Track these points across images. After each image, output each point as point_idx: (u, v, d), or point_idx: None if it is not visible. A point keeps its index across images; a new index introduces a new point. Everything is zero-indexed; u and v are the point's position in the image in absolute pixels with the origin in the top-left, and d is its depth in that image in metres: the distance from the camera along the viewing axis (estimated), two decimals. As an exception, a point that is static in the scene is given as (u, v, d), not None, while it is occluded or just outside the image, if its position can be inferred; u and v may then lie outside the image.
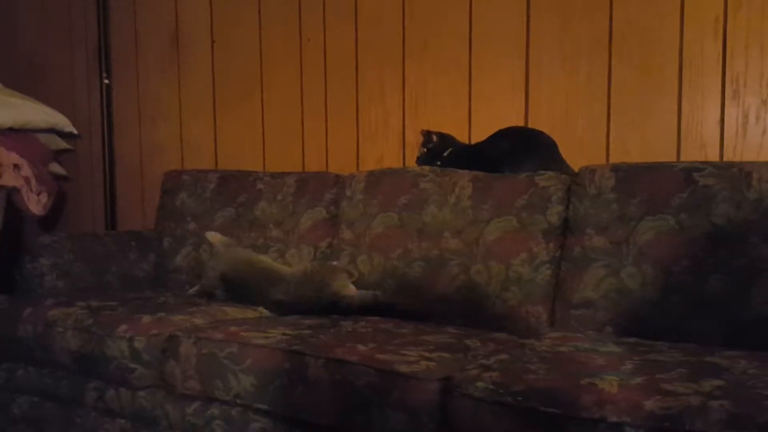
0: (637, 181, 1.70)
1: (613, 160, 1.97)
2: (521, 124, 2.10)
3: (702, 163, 1.66)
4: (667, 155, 1.91)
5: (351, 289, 1.87)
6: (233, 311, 1.87)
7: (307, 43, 2.48)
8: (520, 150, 1.95)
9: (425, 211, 1.95)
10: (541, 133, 1.97)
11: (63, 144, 2.97)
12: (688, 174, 1.64)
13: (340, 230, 2.11)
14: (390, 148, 2.36)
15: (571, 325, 1.67)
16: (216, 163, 2.71)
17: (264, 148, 2.61)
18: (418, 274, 1.90)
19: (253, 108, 2.62)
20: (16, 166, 2.66)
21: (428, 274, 1.89)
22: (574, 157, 1.95)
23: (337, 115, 2.45)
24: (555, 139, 1.97)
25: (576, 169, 1.86)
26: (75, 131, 2.98)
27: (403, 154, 2.33)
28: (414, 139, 2.28)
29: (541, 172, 1.85)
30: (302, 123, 2.52)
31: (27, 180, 2.67)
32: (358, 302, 1.84)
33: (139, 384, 1.66)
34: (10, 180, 2.63)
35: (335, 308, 1.83)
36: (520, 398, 1.16)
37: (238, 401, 1.50)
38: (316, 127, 2.49)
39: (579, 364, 1.29)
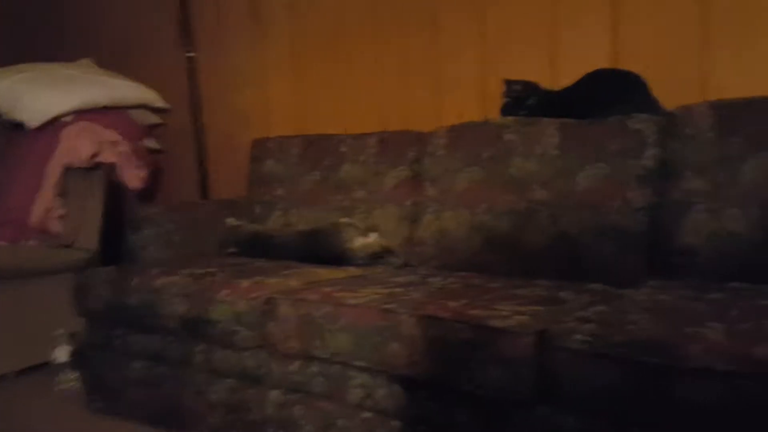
0: (738, 118, 1.59)
1: (710, 97, 1.85)
2: (609, 65, 2.00)
3: (813, 94, 1.54)
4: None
5: (356, 242, 2.02)
6: (324, 272, 1.92)
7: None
8: (608, 93, 1.86)
9: (511, 162, 1.91)
10: (630, 73, 1.87)
11: (155, 119, 3.09)
12: (797, 107, 1.52)
13: (424, 188, 2.11)
14: (471, 100, 2.31)
15: (671, 273, 1.61)
16: (300, 127, 2.75)
17: (345, 109, 2.62)
18: (506, 228, 1.88)
19: (332, 71, 2.62)
20: (113, 143, 2.79)
21: (516, 228, 1.86)
22: (668, 97, 1.84)
23: (416, 71, 2.42)
24: (647, 79, 1.86)
25: (670, 110, 1.76)
26: (165, 105, 3.09)
27: (485, 106, 2.28)
28: (495, 91, 2.22)
29: (633, 114, 1.77)
30: (382, 81, 2.50)
31: (125, 156, 2.81)
32: (362, 252, 2.01)
33: (243, 345, 1.73)
34: (108, 157, 2.77)
35: (341, 260, 2.01)
36: (620, 350, 1.14)
37: (337, 359, 1.55)
38: (396, 84, 2.47)
39: (682, 313, 1.24)
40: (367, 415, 1.53)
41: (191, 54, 3.00)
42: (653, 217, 1.69)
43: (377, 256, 2.04)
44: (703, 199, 1.60)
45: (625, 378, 1.13)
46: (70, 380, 2.34)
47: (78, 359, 2.31)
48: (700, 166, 1.62)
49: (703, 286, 1.46)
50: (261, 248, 2.21)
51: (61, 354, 2.38)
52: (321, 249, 2.07)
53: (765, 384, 1.01)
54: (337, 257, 2.03)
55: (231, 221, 2.36)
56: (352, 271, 1.96)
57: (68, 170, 2.74)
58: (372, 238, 2.06)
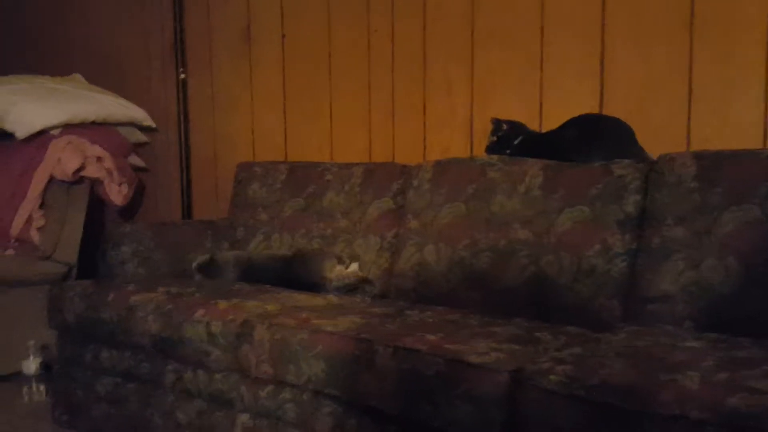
0: (720, 169, 1.62)
1: (693, 148, 1.89)
2: (595, 111, 2.04)
3: (791, 150, 1.57)
4: (752, 143, 1.82)
5: (336, 271, 2.03)
6: (302, 298, 1.91)
7: (375, 33, 2.48)
8: (594, 138, 1.89)
9: (493, 200, 1.92)
10: (616, 120, 1.91)
11: (142, 137, 3.09)
12: (775, 162, 1.56)
13: (406, 220, 2.11)
14: (457, 137, 2.34)
15: (647, 320, 1.62)
16: (285, 153, 2.76)
17: (331, 139, 2.64)
18: (485, 264, 1.88)
19: (321, 99, 2.64)
20: (99, 159, 2.79)
21: (496, 265, 1.86)
22: (652, 145, 1.88)
23: (404, 105, 2.45)
24: (631, 126, 1.90)
25: (654, 158, 1.79)
26: (153, 124, 3.09)
27: (471, 143, 2.31)
28: (482, 129, 2.25)
29: (617, 160, 1.80)
30: (369, 113, 2.53)
31: (109, 172, 2.80)
32: (339, 283, 2.02)
33: (216, 367, 1.71)
34: (93, 172, 2.76)
35: (317, 287, 2.02)
36: (595, 393, 1.14)
37: (310, 386, 1.53)
38: (383, 118, 2.50)
39: (657, 360, 1.25)
40: (336, 445, 1.52)
41: (182, 76, 3.01)
42: (632, 263, 1.70)
43: (353, 287, 2.03)
44: (683, 247, 1.62)
45: (596, 421, 1.13)
46: (38, 392, 2.29)
47: (47, 372, 2.27)
48: (681, 214, 1.64)
49: (679, 334, 1.47)
50: (238, 270, 2.19)
51: (31, 366, 2.34)
52: (298, 275, 2.06)
53: (736, 433, 1.01)
54: (313, 285, 2.02)
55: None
56: (331, 298, 1.95)
57: (52, 183, 2.72)
58: (352, 268, 2.06)
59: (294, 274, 2.08)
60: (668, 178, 1.68)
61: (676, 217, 1.64)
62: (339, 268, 2.04)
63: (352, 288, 2.03)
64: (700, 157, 1.67)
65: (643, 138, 1.89)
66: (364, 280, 2.06)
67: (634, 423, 1.09)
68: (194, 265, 2.22)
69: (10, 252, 2.71)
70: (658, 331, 1.51)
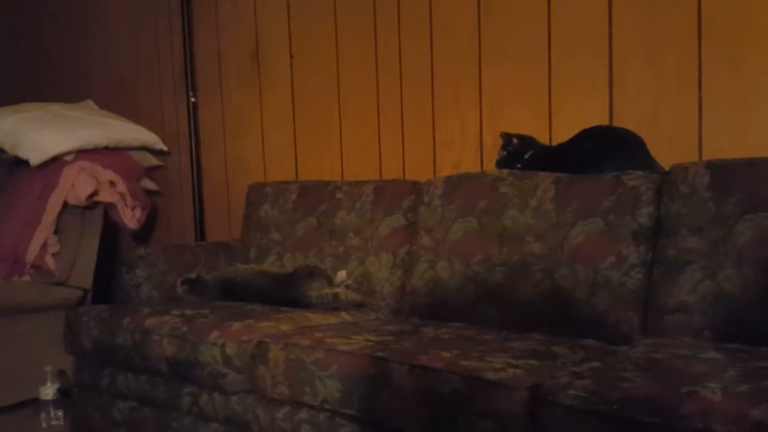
0: (734, 178, 1.61)
1: (706, 158, 1.88)
2: (605, 123, 2.03)
3: (806, 157, 1.56)
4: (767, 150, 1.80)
5: (321, 292, 2.05)
6: (316, 317, 1.91)
7: (383, 51, 2.50)
8: (605, 149, 1.89)
9: (505, 215, 1.92)
10: (627, 131, 1.90)
11: (154, 161, 3.11)
12: (790, 169, 1.54)
13: (418, 237, 2.11)
14: (467, 153, 2.34)
15: (665, 332, 1.60)
16: (296, 173, 2.77)
17: (342, 158, 2.65)
18: (499, 279, 1.87)
19: (330, 119, 2.66)
20: (111, 183, 2.81)
21: (510, 280, 1.85)
22: (664, 156, 1.87)
23: (413, 123, 2.45)
24: (642, 137, 1.89)
25: (666, 168, 1.78)
26: (165, 148, 3.12)
27: (481, 159, 2.31)
28: (492, 144, 2.25)
29: (629, 171, 1.79)
30: (378, 131, 2.54)
31: (122, 196, 2.82)
32: (315, 303, 2.04)
33: (231, 389, 1.71)
34: (106, 196, 2.78)
35: (298, 304, 2.04)
36: (616, 407, 1.12)
37: (326, 406, 1.52)
38: (393, 135, 2.50)
39: (678, 372, 1.23)
40: (354, 466, 1.50)
41: (193, 99, 3.04)
42: (648, 274, 1.69)
43: (338, 306, 2.05)
44: (699, 257, 1.60)
45: (619, 436, 1.12)
46: (55, 418, 2.29)
47: (64, 397, 2.27)
48: (696, 224, 1.63)
49: (698, 346, 1.45)
50: (222, 288, 2.22)
51: (48, 391, 2.34)
52: (282, 293, 2.09)
53: (761, 446, 0.99)
54: (297, 302, 2.05)
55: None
56: (345, 317, 1.95)
57: (66, 208, 2.74)
58: (339, 277, 2.11)
59: (279, 292, 2.09)
60: (682, 189, 1.67)
61: (691, 228, 1.63)
62: (327, 290, 2.06)
63: (336, 307, 2.04)
64: (713, 166, 1.66)
65: (655, 149, 1.88)
66: (355, 302, 2.07)
67: (656, 437, 1.08)
68: (180, 281, 2.24)
69: (26, 278, 2.73)
70: (676, 342, 1.49)
